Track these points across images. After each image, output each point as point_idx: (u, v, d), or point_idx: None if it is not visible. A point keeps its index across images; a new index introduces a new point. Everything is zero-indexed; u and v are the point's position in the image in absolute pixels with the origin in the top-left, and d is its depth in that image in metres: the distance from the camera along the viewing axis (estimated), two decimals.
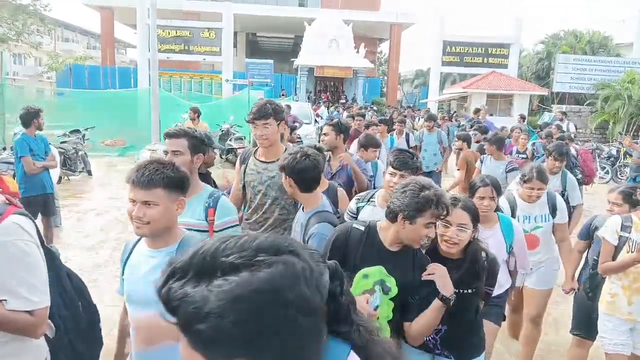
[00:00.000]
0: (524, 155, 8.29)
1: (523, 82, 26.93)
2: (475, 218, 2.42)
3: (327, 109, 22.62)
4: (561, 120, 14.97)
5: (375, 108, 24.31)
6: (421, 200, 2.08)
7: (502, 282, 3.14)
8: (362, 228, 2.31)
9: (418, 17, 32.98)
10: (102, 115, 15.36)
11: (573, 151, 9.46)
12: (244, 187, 3.31)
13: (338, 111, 21.33)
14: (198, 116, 9.84)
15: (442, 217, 2.15)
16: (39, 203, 5.52)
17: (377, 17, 32.75)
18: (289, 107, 13.64)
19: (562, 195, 4.72)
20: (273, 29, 35.29)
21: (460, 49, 28.24)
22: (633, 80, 21.30)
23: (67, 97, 19.39)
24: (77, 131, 12.24)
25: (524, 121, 15.38)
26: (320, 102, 26.34)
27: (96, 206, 8.61)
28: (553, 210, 3.80)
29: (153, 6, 12.85)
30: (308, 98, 27.51)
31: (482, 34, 28.79)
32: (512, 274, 3.32)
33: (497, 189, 3.20)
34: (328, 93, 31.30)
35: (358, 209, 3.05)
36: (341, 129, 4.32)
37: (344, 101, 28.17)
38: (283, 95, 26.91)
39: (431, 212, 2.09)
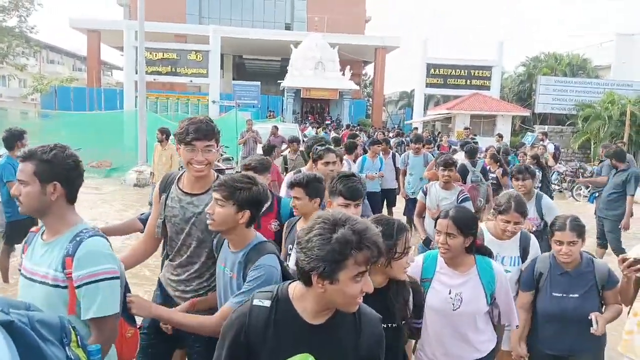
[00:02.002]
0: (494, 175, 8.31)
1: (506, 103, 27.44)
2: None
3: (315, 130, 22.75)
4: (542, 140, 15.26)
5: (361, 129, 24.52)
6: (335, 245, 1.44)
7: (483, 342, 2.60)
8: (267, 303, 1.64)
9: (402, 41, 33.56)
10: (88, 137, 15.29)
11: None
12: (164, 222, 2.65)
13: (326, 132, 21.46)
14: (167, 137, 9.08)
15: (373, 260, 1.49)
16: (26, 227, 5.44)
17: (362, 41, 33.29)
18: (276, 127, 13.72)
19: (541, 224, 4.28)
20: (260, 52, 35.62)
21: (443, 71, 28.72)
22: (613, 101, 21.85)
23: (52, 118, 19.30)
24: None
25: (502, 140, 15.62)
26: (307, 123, 26.52)
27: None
28: (524, 254, 3.25)
29: (141, 29, 12.94)
30: (295, 119, 27.68)
31: (465, 57, 29.33)
32: (496, 328, 2.73)
33: (466, 223, 2.51)
34: (316, 114, 31.56)
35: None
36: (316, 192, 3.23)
37: (329, 122, 28.38)
38: (271, 116, 27.03)
39: (355, 260, 1.45)
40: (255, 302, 1.65)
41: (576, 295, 2.88)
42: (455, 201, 4.79)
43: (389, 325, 2.03)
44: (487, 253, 2.67)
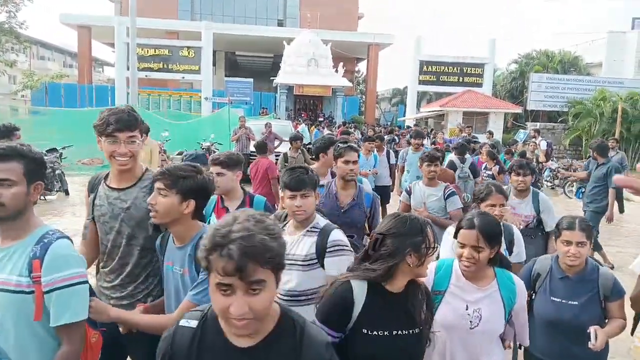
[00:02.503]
0: (490, 172, 8.33)
1: (498, 100, 27.55)
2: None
3: (308, 127, 22.71)
4: (534, 137, 15.32)
5: (356, 127, 24.52)
6: (206, 253, 1.26)
7: None
8: (194, 324, 1.44)
9: (395, 38, 33.56)
10: (79, 133, 15.11)
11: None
12: (94, 224, 2.51)
13: (319, 130, 21.43)
14: (145, 132, 8.94)
15: (233, 275, 1.22)
16: None
17: (355, 38, 33.25)
18: (270, 125, 13.68)
19: (534, 220, 4.20)
20: (252, 48, 35.48)
21: (436, 68, 28.81)
22: (604, 98, 21.99)
23: (43, 115, 19.08)
24: (54, 150, 12.03)
25: (492, 137, 15.66)
26: (300, 120, 26.47)
27: (72, 226, 8.45)
28: (509, 247, 3.19)
29: (133, 25, 12.83)
30: (288, 116, 27.61)
31: (457, 54, 29.41)
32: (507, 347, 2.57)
33: (495, 233, 2.27)
34: (309, 112, 31.49)
35: None
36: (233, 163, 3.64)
37: (322, 119, 28.35)
38: (264, 113, 26.96)
39: (217, 270, 1.24)
40: (182, 322, 1.46)
41: (575, 303, 2.70)
42: (442, 197, 4.57)
43: (411, 332, 1.93)
44: (506, 264, 2.43)
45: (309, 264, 2.48)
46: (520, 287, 2.33)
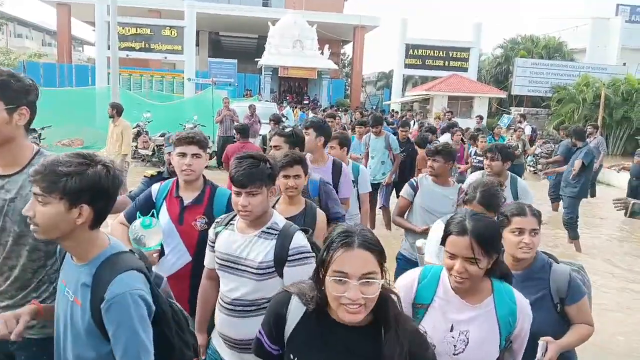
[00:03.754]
0: (481, 157, 8.35)
1: (483, 85, 27.63)
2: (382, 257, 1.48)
3: (293, 109, 22.53)
4: (520, 122, 15.41)
5: (346, 110, 24.39)
6: None
7: None
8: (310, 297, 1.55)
9: (381, 20, 33.31)
10: (59, 114, 14.79)
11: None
12: None
13: (304, 113, 21.27)
14: (118, 113, 8.50)
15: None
16: None
17: (341, 19, 32.89)
18: (254, 107, 13.53)
19: None
20: (236, 29, 34.92)
21: (422, 52, 28.71)
22: (588, 84, 22.19)
23: None
24: (33, 130, 11.73)
25: (482, 122, 15.70)
26: (285, 103, 26.26)
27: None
28: (515, 197, 3.01)
29: (113, 3, 12.48)
30: (273, 98, 27.37)
31: (443, 38, 29.34)
32: None
33: (494, 240, 1.85)
34: (293, 94, 31.24)
35: (217, 235, 2.29)
36: (297, 140, 3.51)
37: (307, 102, 28.15)
38: (248, 95, 26.66)
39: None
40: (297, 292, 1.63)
41: None
42: (455, 201, 3.74)
43: None
44: (507, 276, 1.97)
45: (264, 273, 2.13)
46: (523, 308, 1.88)
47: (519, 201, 3.70)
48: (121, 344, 1.53)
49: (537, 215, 2.34)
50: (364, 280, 1.40)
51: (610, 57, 27.16)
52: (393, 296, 1.52)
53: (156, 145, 12.86)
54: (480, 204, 2.64)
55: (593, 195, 8.57)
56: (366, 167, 7.08)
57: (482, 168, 8.23)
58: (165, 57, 26.40)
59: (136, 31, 25.37)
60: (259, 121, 13.17)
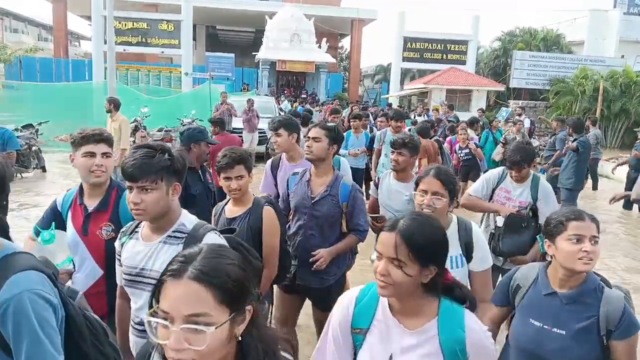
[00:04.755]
0: (467, 150, 8.25)
1: (481, 78, 27.58)
2: None
3: (291, 103, 22.47)
4: (519, 115, 15.38)
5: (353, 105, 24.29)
6: None
7: None
8: None
9: (378, 13, 33.19)
10: (56, 109, 14.76)
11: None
12: None
13: (303, 106, 21.20)
14: (115, 107, 8.44)
15: None
16: None
17: (338, 13, 32.79)
18: (252, 101, 13.49)
19: (529, 208, 3.60)
20: (233, 23, 34.76)
21: (420, 45, 28.65)
22: (586, 77, 22.17)
23: (18, 90, 18.53)
24: (30, 126, 11.70)
25: (484, 115, 15.67)
26: (282, 97, 26.19)
27: (49, 203, 8.24)
28: (468, 251, 2.39)
29: None
30: (270, 92, 27.30)
31: (441, 31, 29.25)
32: None
33: (428, 241, 1.49)
34: (291, 88, 31.15)
35: (122, 247, 2.02)
36: (337, 136, 3.30)
37: (304, 96, 28.08)
38: (246, 89, 26.59)
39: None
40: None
41: (562, 332, 1.96)
42: (412, 197, 3.30)
43: None
44: (462, 296, 1.57)
45: None
46: (475, 338, 1.50)
47: (539, 203, 3.56)
48: (22, 353, 1.33)
49: (596, 221, 1.99)
50: (188, 326, 1.02)
51: (609, 50, 27.10)
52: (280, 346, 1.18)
53: (154, 140, 12.82)
54: (437, 177, 2.35)
55: (595, 188, 8.60)
56: (377, 165, 6.74)
57: (470, 162, 8.18)
58: (163, 52, 26.29)
59: (133, 25, 25.22)
60: (257, 115, 13.14)
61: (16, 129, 11.11)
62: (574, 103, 21.87)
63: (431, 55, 28.76)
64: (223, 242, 1.87)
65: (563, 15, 30.66)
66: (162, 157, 1.84)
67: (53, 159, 12.21)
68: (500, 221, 3.61)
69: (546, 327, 1.99)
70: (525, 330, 2.05)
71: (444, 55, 28.70)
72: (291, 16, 27.87)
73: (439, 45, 28.66)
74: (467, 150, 8.14)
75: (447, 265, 2.15)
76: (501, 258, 3.66)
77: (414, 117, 16.12)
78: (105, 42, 15.61)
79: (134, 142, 12.78)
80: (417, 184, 2.42)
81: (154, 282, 1.60)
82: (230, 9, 30.21)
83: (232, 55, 26.36)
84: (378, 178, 3.86)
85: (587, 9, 28.68)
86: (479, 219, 4.03)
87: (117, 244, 2.07)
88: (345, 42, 40.61)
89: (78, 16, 34.74)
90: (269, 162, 3.93)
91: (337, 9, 33.98)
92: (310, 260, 3.04)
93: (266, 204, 2.83)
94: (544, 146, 14.87)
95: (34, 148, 10.46)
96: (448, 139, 8.58)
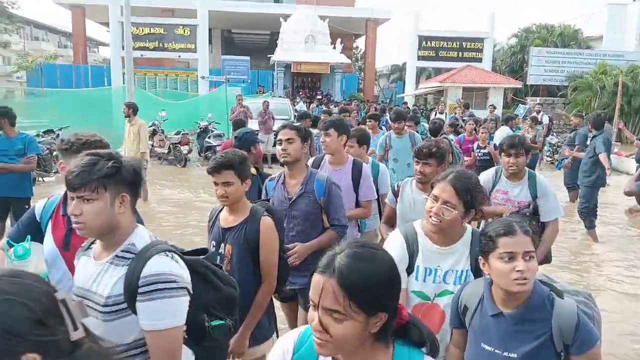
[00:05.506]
0: (485, 150, 8.09)
1: (498, 75, 27.32)
2: None
3: (307, 105, 22.55)
4: (538, 112, 15.21)
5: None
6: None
7: None
8: None
9: (393, 13, 33.09)
10: (76, 114, 15.04)
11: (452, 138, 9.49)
12: None
13: (319, 108, 21.25)
14: (134, 112, 8.58)
15: None
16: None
17: (353, 13, 32.80)
18: (267, 103, 13.59)
19: (531, 206, 3.54)
20: (248, 26, 35.01)
21: (435, 44, 28.49)
22: (605, 72, 21.82)
23: (39, 96, 18.98)
24: (51, 131, 11.97)
25: (494, 111, 15.51)
26: (298, 98, 26.29)
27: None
28: (477, 268, 2.04)
29: (127, 3, 12.61)
30: (286, 94, 27.42)
31: (457, 29, 29.05)
32: None
33: (356, 285, 1.12)
34: (306, 89, 31.24)
35: (77, 263, 1.84)
36: (304, 134, 3.20)
37: (320, 97, 28.14)
38: (261, 91, 26.75)
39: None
40: None
41: (515, 356, 1.78)
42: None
43: None
44: (421, 339, 1.26)
45: (112, 311, 1.60)
46: None
47: (539, 201, 3.46)
48: None
49: (529, 232, 1.78)
50: None
51: (628, 44, 26.61)
52: None
53: (172, 143, 13.01)
54: (452, 185, 2.11)
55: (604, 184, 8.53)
56: None
57: (487, 162, 8.05)
58: (179, 56, 26.61)
59: (150, 31, 25.59)
60: (273, 117, 13.24)
61: (37, 135, 11.38)
62: (592, 99, 21.54)
63: (447, 53, 28.59)
64: (172, 266, 1.63)
65: (581, 10, 30.19)
66: (106, 164, 1.63)
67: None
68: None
69: (497, 351, 1.81)
70: (478, 355, 1.88)
71: (460, 53, 28.50)
72: (305, 18, 27.97)
73: (454, 43, 28.48)
74: (485, 150, 8.02)
75: (450, 281, 2.14)
76: None
77: (435, 115, 15.95)
78: (123, 48, 15.87)
79: (152, 145, 13.00)
80: (431, 187, 2.20)
81: (95, 306, 1.60)
82: (245, 12, 30.44)
83: (248, 58, 26.56)
84: (397, 186, 3.40)
85: (606, 3, 28.21)
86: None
87: (75, 261, 1.86)
88: (360, 42, 40.59)
89: (96, 23, 35.33)
90: (311, 160, 3.85)
91: (351, 9, 34.00)
92: (286, 254, 2.93)
93: (265, 214, 2.62)
94: (562, 142, 14.72)
95: (54, 153, 10.68)
96: (456, 138, 8.46)
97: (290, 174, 3.15)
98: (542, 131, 12.30)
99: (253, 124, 13.24)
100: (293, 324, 3.33)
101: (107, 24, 27.64)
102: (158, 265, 1.60)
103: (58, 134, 12.13)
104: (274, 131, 13.08)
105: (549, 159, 14.40)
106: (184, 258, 1.73)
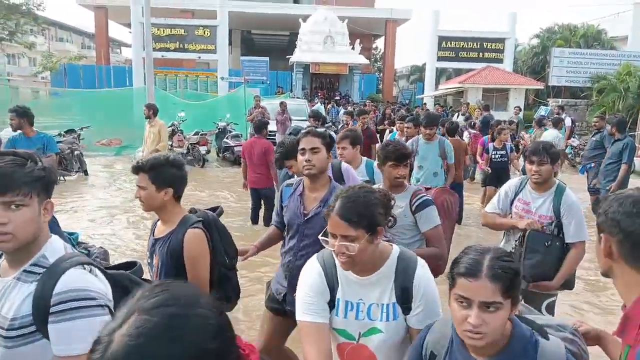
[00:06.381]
0: (502, 152, 7.90)
1: (519, 76, 26.94)
2: None
3: (324, 105, 22.56)
4: (558, 114, 14.97)
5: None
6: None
7: None
8: None
9: (412, 13, 32.91)
10: (98, 114, 15.31)
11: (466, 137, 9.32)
12: None
13: (335, 109, 21.22)
14: (154, 113, 8.67)
15: None
16: None
17: (372, 14, 32.71)
18: (284, 103, 13.63)
19: (552, 225, 3.15)
20: (268, 26, 35.17)
21: (455, 44, 28.24)
22: (630, 73, 21.34)
23: (62, 96, 19.35)
24: (73, 131, 12.19)
25: (520, 113, 15.26)
26: (315, 99, 26.31)
27: (92, 206, 8.57)
28: (404, 297, 1.79)
29: (147, 4, 12.78)
30: (304, 95, 27.47)
31: (477, 29, 28.74)
32: None
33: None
34: (324, 90, 31.26)
35: None
36: (330, 141, 2.91)
37: (338, 98, 28.13)
38: (280, 92, 26.84)
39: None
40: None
41: None
42: (408, 209, 2.97)
43: None
44: None
45: (17, 335, 1.37)
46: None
47: (563, 219, 3.08)
48: None
49: (501, 277, 1.39)
50: None
51: None
52: None
53: (190, 143, 13.13)
54: (339, 216, 1.73)
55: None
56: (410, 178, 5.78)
57: (502, 164, 7.87)
58: (199, 57, 26.85)
59: (170, 32, 25.89)
60: (290, 118, 13.27)
61: (59, 134, 11.59)
62: (616, 101, 21.09)
63: (467, 54, 28.31)
64: (91, 280, 1.43)
65: (605, 10, 29.65)
66: (35, 167, 1.43)
67: (95, 162, 12.66)
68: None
69: None
70: None
71: (480, 54, 28.19)
72: (324, 19, 27.98)
73: (474, 43, 28.18)
74: (503, 152, 7.86)
75: (377, 316, 1.79)
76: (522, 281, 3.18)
77: (457, 117, 15.78)
78: (144, 49, 16.09)
79: (171, 146, 13.13)
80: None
81: (2, 332, 1.36)
82: (264, 13, 30.59)
83: (267, 58, 26.68)
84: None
85: (632, 2, 27.61)
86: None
87: None
88: (379, 43, 40.45)
89: (119, 24, 35.88)
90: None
91: (370, 10, 33.90)
92: (233, 269, 2.67)
93: (194, 224, 2.34)
94: (584, 145, 14.45)
95: (76, 152, 10.87)
96: (480, 140, 8.36)
97: (312, 187, 2.79)
98: (566, 133, 12.08)
99: (271, 125, 13.34)
100: (275, 340, 2.94)
101: (129, 25, 28.04)
102: (73, 280, 1.38)
103: (79, 133, 12.34)
104: (270, 131, 13.16)
105: (570, 161, 14.15)
106: (106, 272, 1.53)
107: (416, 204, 2.95)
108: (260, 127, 7.05)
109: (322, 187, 2.78)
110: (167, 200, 2.36)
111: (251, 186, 6.90)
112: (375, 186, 2.92)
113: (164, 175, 2.34)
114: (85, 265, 1.45)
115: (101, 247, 2.77)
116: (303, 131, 2.95)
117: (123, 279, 1.63)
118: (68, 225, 7.32)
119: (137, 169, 2.34)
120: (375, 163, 3.50)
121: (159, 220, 2.49)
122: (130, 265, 1.79)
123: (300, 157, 2.79)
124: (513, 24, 28.04)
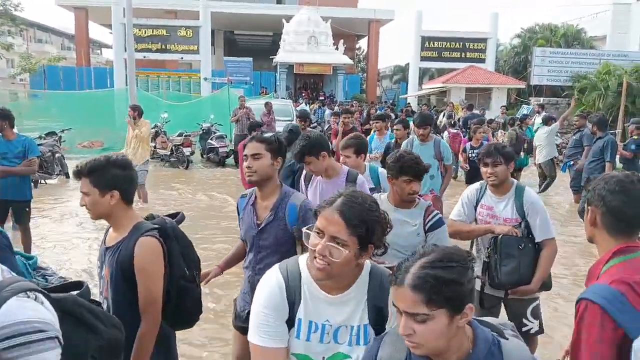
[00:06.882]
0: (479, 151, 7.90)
1: (501, 75, 27.25)
2: None
3: (308, 105, 22.53)
4: (538, 112, 15.14)
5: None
6: None
7: None
8: None
9: (396, 13, 33.09)
10: (79, 116, 15.09)
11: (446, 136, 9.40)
12: None
13: (322, 109, 21.19)
14: (139, 114, 8.54)
15: None
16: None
17: (355, 14, 32.81)
18: (269, 104, 13.58)
19: (521, 226, 3.08)
20: (251, 27, 35.03)
21: (438, 44, 28.46)
22: (609, 72, 21.70)
23: (42, 98, 19.01)
24: (53, 133, 11.96)
25: (506, 112, 15.39)
26: (300, 100, 26.28)
27: (73, 209, 8.41)
28: (378, 318, 1.61)
29: (129, 5, 12.61)
30: (288, 95, 27.41)
31: (460, 29, 29.01)
32: None
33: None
34: (308, 90, 31.26)
35: None
36: (277, 147, 2.71)
37: (322, 98, 28.15)
38: (264, 92, 26.75)
39: None
40: None
41: None
42: (421, 227, 2.79)
43: None
44: None
45: None
46: None
47: (529, 218, 3.04)
48: None
49: (422, 287, 1.25)
50: None
51: (632, 44, 26.52)
52: None
53: (174, 145, 12.99)
54: (339, 213, 1.55)
55: None
56: None
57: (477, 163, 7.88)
58: (182, 58, 26.63)
59: (152, 32, 25.62)
60: (275, 119, 13.23)
61: (40, 137, 11.37)
62: (597, 99, 21.42)
63: (450, 53, 28.54)
64: (37, 310, 1.23)
65: (584, 10, 30.12)
66: None
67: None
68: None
69: None
70: None
71: (463, 54, 28.45)
72: (308, 19, 27.97)
73: (457, 43, 28.43)
74: (478, 151, 7.87)
75: (344, 340, 1.60)
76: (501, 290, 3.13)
77: (443, 116, 15.83)
78: (125, 50, 15.89)
79: (154, 147, 12.98)
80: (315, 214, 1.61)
81: None
82: (247, 14, 30.46)
83: (250, 59, 26.57)
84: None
85: (610, 2, 28.11)
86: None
87: None
88: (363, 43, 40.57)
89: (99, 25, 35.44)
90: (303, 174, 3.65)
91: (353, 10, 34.00)
92: (197, 282, 2.44)
93: (148, 232, 2.09)
94: (566, 144, 14.63)
95: (57, 155, 10.67)
96: (464, 139, 8.38)
97: (261, 195, 2.65)
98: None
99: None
100: (242, 356, 2.68)
101: (110, 26, 27.71)
102: (16, 312, 1.18)
103: (60, 136, 12.12)
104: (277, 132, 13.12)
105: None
106: (50, 297, 1.32)
107: (430, 223, 2.78)
108: (253, 127, 7.24)
109: (272, 194, 2.63)
110: (114, 205, 2.11)
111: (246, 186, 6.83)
112: (383, 195, 2.95)
113: (106, 177, 2.09)
114: (28, 292, 1.24)
115: (61, 277, 2.52)
116: (249, 137, 2.83)
117: (70, 303, 1.43)
118: (52, 229, 7.19)
119: (77, 174, 2.12)
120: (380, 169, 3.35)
121: (110, 227, 2.26)
122: (77, 285, 1.59)
123: (244, 163, 2.64)
124: (495, 24, 28.35)
